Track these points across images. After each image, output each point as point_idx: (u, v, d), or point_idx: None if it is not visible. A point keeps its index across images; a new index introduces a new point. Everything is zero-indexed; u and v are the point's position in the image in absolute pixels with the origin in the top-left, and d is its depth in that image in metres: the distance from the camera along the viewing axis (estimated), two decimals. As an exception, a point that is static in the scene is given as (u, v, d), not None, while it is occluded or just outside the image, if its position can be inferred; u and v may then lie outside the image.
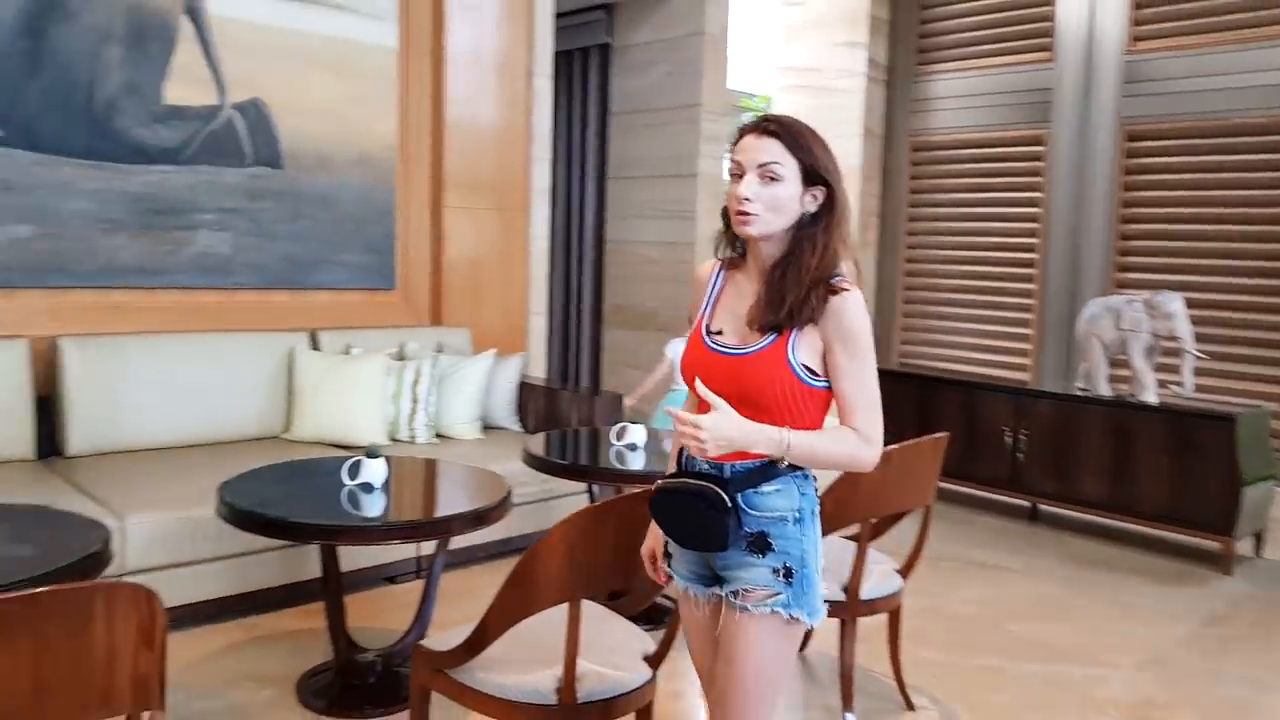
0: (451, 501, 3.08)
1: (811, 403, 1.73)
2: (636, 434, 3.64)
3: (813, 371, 1.72)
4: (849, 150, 7.65)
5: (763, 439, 1.66)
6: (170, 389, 3.83)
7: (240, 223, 4.23)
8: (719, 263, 1.89)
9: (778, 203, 1.71)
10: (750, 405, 1.70)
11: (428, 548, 3.61)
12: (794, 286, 1.70)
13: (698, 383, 1.71)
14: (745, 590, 1.74)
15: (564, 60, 7.16)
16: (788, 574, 1.73)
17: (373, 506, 2.82)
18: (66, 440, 3.61)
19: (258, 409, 4.06)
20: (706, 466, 1.77)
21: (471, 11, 4.95)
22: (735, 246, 1.85)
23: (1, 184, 3.59)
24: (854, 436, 1.72)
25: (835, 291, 1.70)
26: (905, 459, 2.88)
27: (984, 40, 7.02)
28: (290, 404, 4.12)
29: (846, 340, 1.71)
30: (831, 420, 1.77)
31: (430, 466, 3.30)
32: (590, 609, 2.37)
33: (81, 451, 3.63)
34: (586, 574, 2.10)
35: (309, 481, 2.98)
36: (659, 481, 1.80)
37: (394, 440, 4.16)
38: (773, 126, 1.73)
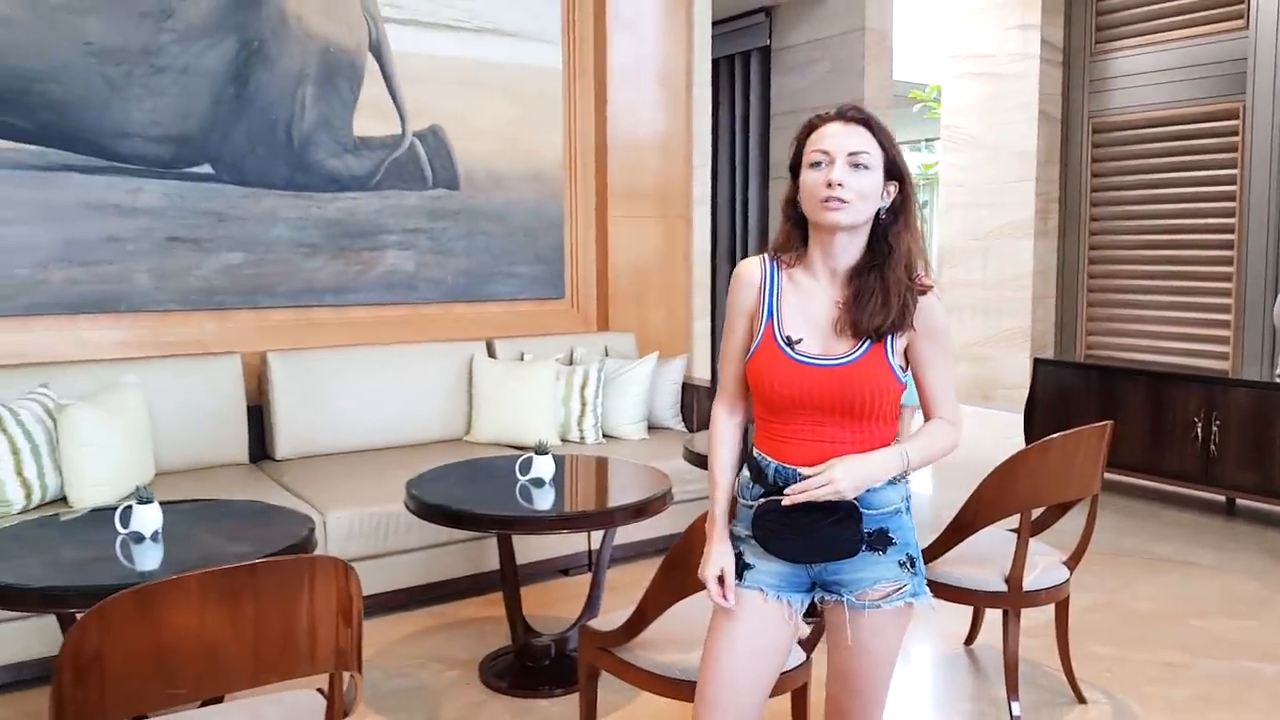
0: (615, 494, 3.27)
1: (897, 397, 1.76)
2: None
3: (902, 369, 1.76)
4: (1024, 135, 7.45)
5: (891, 463, 1.72)
6: (363, 397, 4.21)
7: (422, 241, 4.60)
8: (766, 261, 1.83)
9: (866, 191, 1.69)
10: (851, 415, 1.72)
11: (598, 541, 3.82)
12: (895, 294, 1.69)
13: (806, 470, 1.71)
14: (872, 589, 1.76)
15: (725, 65, 7.31)
16: (911, 563, 1.78)
17: (542, 499, 3.05)
18: (275, 445, 4.03)
19: (441, 413, 4.40)
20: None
21: (631, 29, 5.17)
22: (795, 240, 1.81)
23: (215, 216, 4.06)
24: (945, 427, 1.80)
25: (924, 290, 1.73)
26: (1066, 448, 2.86)
27: (1169, 12, 6.70)
28: (470, 408, 4.44)
29: (936, 335, 1.76)
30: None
31: (595, 463, 3.51)
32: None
33: (288, 455, 4.04)
34: (737, 559, 2.22)
35: (486, 478, 3.24)
36: (762, 501, 1.76)
37: (564, 440, 4.41)
38: (860, 115, 1.72)
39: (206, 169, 4.03)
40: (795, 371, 1.73)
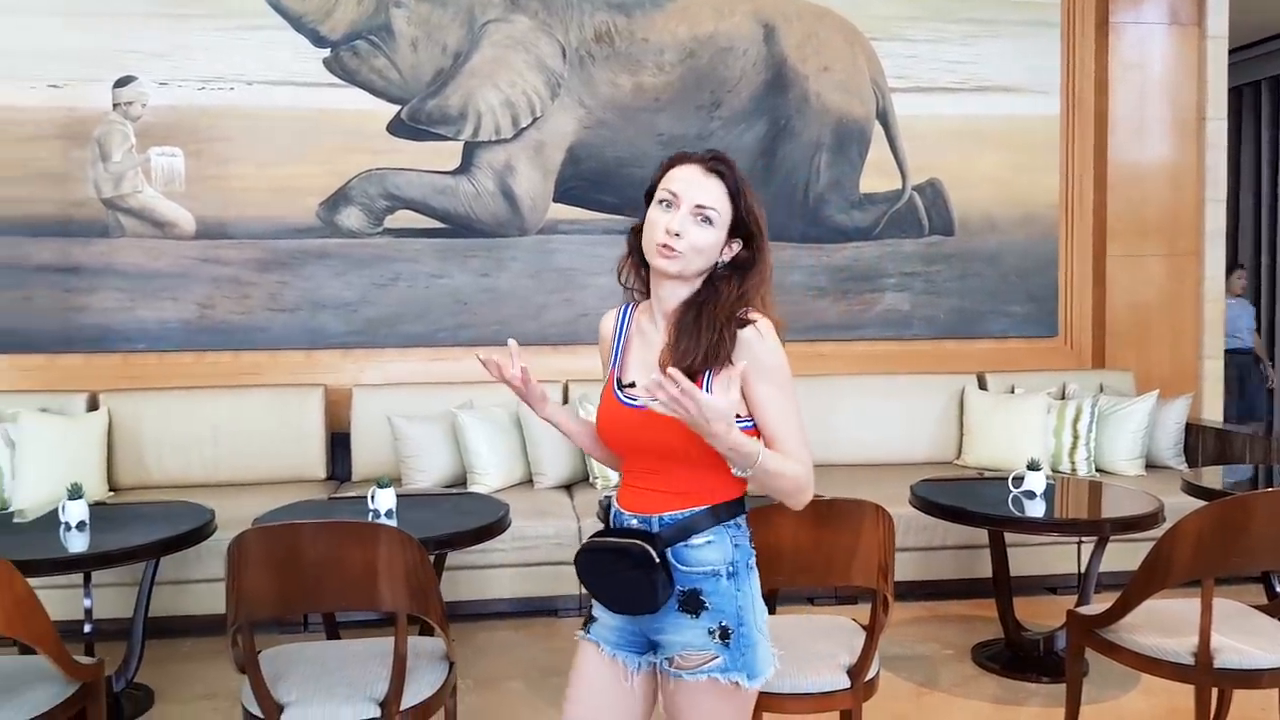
0: (1104, 509, 3.76)
1: None
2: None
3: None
4: None
5: (747, 445, 1.61)
6: (863, 419, 5.06)
7: (917, 283, 5.38)
8: (621, 310, 1.90)
9: (701, 246, 1.72)
10: (675, 458, 1.72)
11: (1085, 563, 4.26)
12: (708, 328, 1.69)
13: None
14: (680, 655, 1.72)
15: (1249, 91, 7.25)
16: (724, 634, 1.71)
17: (1033, 508, 3.64)
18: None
19: (931, 437, 5.13)
20: (635, 522, 1.76)
21: (1136, 68, 5.52)
22: (639, 276, 1.84)
23: (748, 266, 5.18)
24: (796, 464, 1.70)
25: (744, 324, 1.70)
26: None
27: None
28: (961, 435, 5.11)
29: (765, 372, 1.70)
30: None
31: (1085, 484, 4.01)
32: (1231, 605, 2.91)
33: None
34: (1217, 557, 2.66)
35: (979, 491, 3.89)
36: (584, 541, 1.80)
37: (1055, 471, 4.89)
38: (720, 168, 1.75)
39: (742, 226, 5.17)
40: (619, 414, 1.79)
